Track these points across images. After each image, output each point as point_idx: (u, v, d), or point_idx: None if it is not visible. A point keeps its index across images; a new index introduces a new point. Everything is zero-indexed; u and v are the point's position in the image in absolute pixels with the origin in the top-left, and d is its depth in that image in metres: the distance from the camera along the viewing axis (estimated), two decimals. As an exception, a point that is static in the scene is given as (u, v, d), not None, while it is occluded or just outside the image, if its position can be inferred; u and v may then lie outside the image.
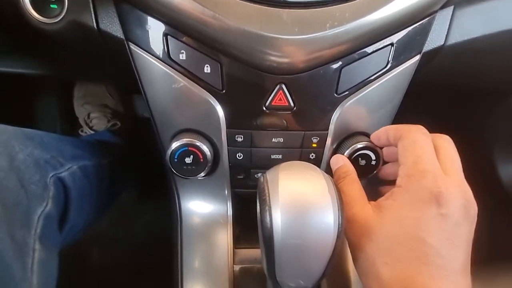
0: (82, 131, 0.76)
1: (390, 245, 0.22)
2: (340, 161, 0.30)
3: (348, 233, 0.24)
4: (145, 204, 0.78)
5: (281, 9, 0.26)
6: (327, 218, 0.19)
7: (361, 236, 0.23)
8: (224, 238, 0.37)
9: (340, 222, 0.20)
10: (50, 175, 0.32)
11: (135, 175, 0.68)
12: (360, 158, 0.33)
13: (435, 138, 0.25)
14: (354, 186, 0.26)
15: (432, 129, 0.26)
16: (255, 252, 0.37)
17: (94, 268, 0.70)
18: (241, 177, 0.36)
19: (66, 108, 0.77)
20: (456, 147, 0.25)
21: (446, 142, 0.25)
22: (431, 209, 0.21)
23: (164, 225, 0.41)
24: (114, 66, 0.38)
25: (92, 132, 0.75)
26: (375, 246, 0.22)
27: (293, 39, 0.26)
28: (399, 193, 0.23)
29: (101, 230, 0.71)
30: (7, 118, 0.35)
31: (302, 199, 0.20)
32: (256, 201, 0.23)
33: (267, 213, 0.20)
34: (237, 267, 0.36)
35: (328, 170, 0.35)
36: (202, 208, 0.38)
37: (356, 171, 0.29)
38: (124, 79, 0.38)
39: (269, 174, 0.22)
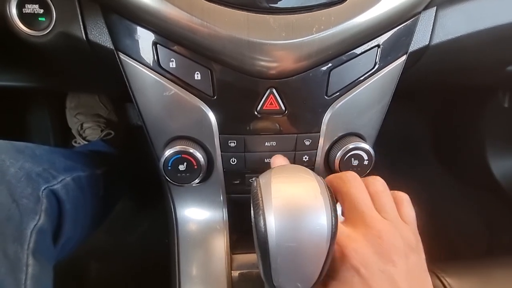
0: (75, 142, 0.76)
1: None
2: None
3: None
4: (142, 213, 0.77)
5: (267, 15, 0.26)
6: (321, 220, 0.20)
7: None
8: (221, 244, 0.37)
9: (333, 224, 0.20)
10: (43, 188, 0.32)
11: (130, 184, 0.67)
12: (352, 159, 0.33)
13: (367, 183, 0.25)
14: None
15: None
16: (253, 257, 0.37)
17: (92, 281, 0.69)
18: (236, 182, 0.36)
19: (58, 119, 0.77)
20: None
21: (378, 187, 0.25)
22: None
23: (162, 234, 0.41)
24: (105, 76, 0.38)
25: (85, 142, 0.74)
26: None
27: (281, 44, 0.27)
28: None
29: (97, 242, 0.70)
30: (-1, 131, 0.35)
31: (295, 202, 0.20)
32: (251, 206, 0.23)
33: (261, 218, 0.20)
34: (235, 273, 0.36)
35: (321, 172, 0.35)
36: (198, 215, 0.38)
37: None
38: (116, 89, 0.38)
39: (262, 178, 0.22)
